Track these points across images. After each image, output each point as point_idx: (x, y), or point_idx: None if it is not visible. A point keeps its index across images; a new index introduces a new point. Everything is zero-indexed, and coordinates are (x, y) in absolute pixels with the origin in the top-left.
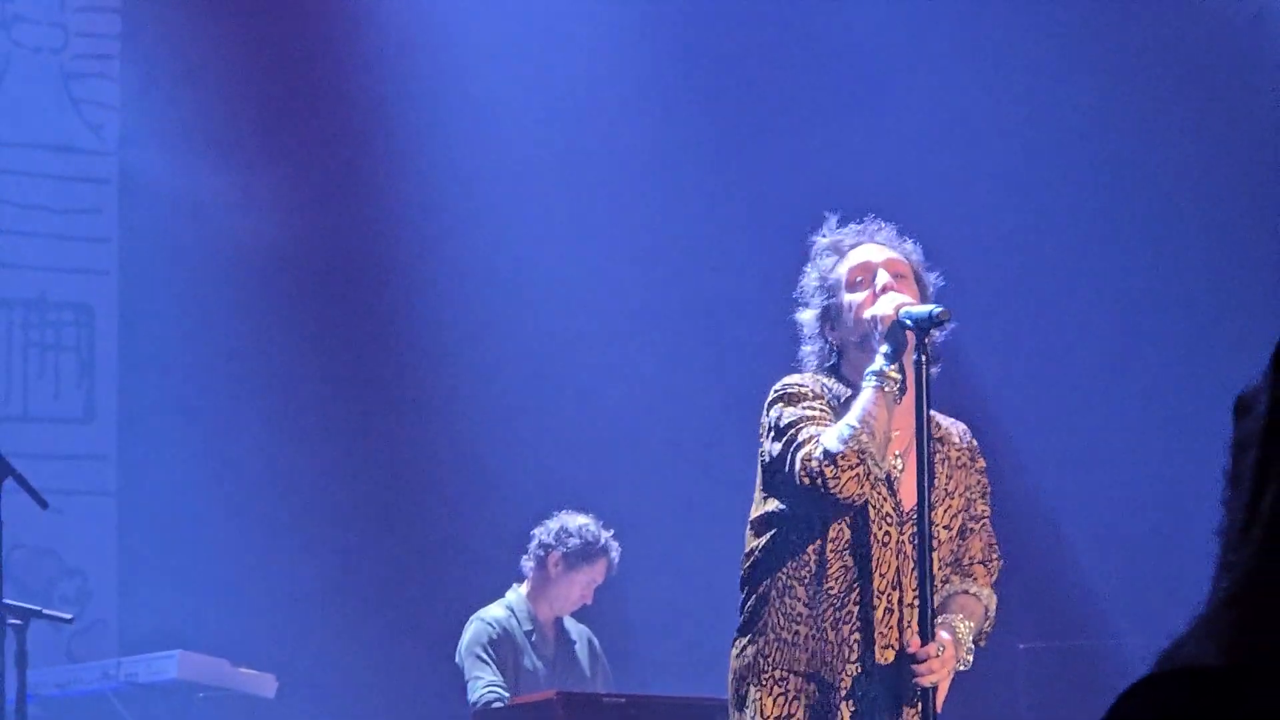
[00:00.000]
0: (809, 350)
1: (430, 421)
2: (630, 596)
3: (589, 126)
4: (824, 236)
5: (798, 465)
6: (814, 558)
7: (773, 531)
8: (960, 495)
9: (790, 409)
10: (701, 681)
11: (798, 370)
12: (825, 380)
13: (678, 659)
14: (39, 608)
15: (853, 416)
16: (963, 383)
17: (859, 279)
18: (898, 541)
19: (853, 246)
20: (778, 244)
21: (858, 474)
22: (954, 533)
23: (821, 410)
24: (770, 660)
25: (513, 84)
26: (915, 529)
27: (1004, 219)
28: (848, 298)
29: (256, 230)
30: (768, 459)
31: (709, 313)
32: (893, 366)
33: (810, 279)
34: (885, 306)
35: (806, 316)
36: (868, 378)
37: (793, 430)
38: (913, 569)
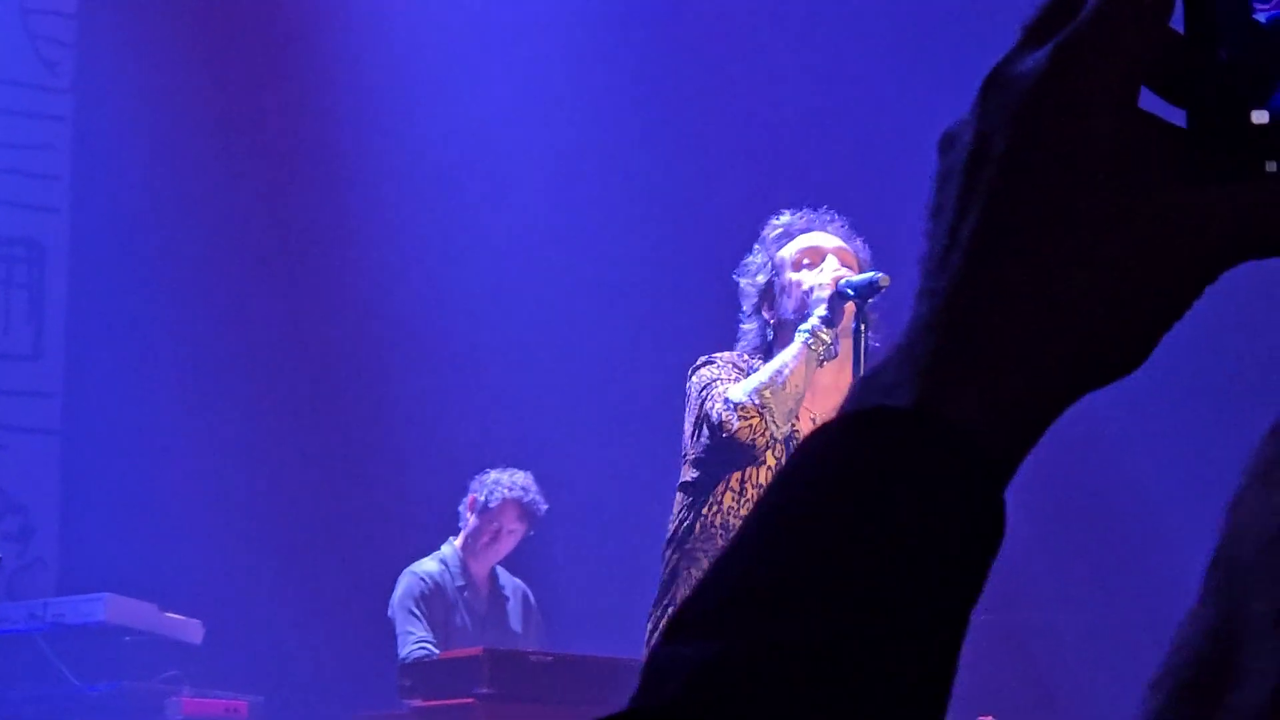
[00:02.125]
0: (746, 328)
1: (376, 375)
2: (563, 556)
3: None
4: (777, 219)
5: (706, 413)
6: (719, 529)
7: (688, 500)
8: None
9: (707, 371)
10: (628, 642)
11: (734, 345)
12: (752, 361)
13: (610, 619)
14: None
15: (765, 370)
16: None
17: (806, 261)
18: None
19: (803, 231)
20: (730, 225)
21: (752, 425)
22: None
23: (736, 376)
24: None
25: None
26: None
27: None
28: (791, 276)
29: (210, 172)
30: (689, 425)
31: (651, 284)
32: (825, 329)
33: (756, 256)
34: (825, 276)
35: (747, 287)
36: (799, 334)
37: (706, 389)
38: None
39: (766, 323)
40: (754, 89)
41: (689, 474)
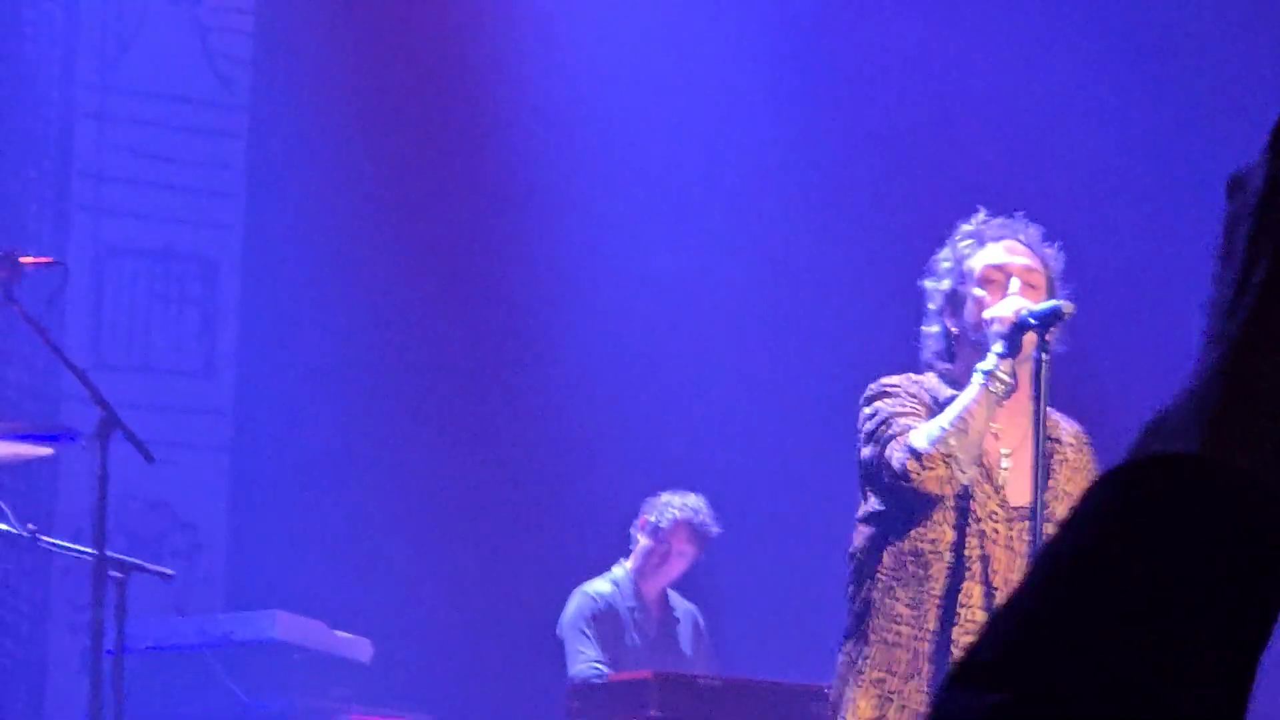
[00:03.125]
0: (928, 331)
1: (541, 395)
2: (735, 581)
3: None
4: (969, 223)
5: (885, 459)
6: (912, 558)
7: (872, 531)
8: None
9: (884, 405)
10: (800, 667)
11: (914, 355)
12: (925, 380)
13: (778, 645)
14: (141, 561)
15: (947, 416)
16: (1084, 382)
17: (992, 279)
18: (1006, 539)
19: (994, 239)
20: (920, 235)
21: (939, 475)
22: None
23: (915, 408)
24: (870, 661)
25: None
26: (1026, 526)
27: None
28: (975, 291)
29: (382, 188)
30: (863, 458)
31: (827, 297)
32: (1003, 367)
33: (944, 258)
34: (1005, 309)
35: (932, 290)
36: (976, 374)
37: (883, 426)
38: (1023, 566)
39: (949, 330)
40: (947, 88)
41: (871, 505)
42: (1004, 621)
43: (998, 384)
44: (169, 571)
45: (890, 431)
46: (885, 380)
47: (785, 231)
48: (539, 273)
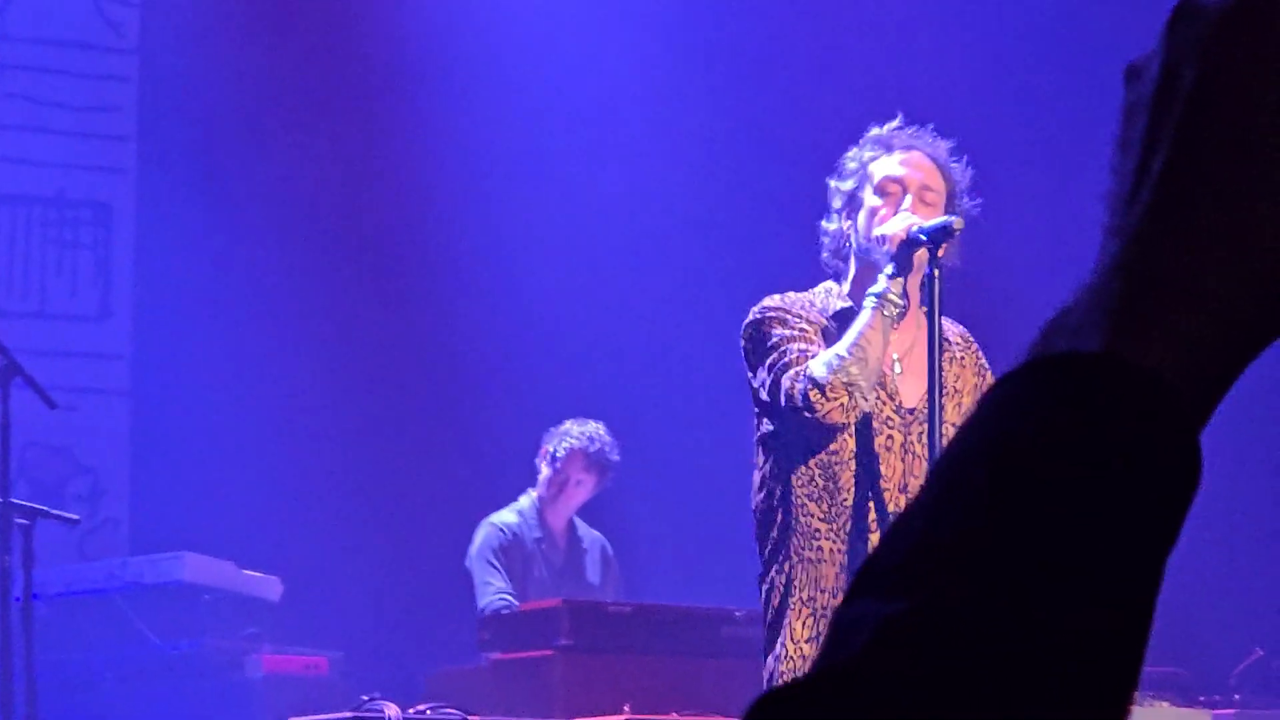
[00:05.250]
0: (828, 227)
1: (445, 329)
2: (642, 508)
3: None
4: (880, 129)
5: (784, 388)
6: (819, 473)
7: (775, 454)
8: (968, 393)
9: (774, 331)
10: (707, 591)
11: (817, 262)
12: (813, 296)
13: (686, 571)
14: (46, 507)
15: (844, 343)
16: (980, 295)
17: (889, 191)
18: (903, 444)
19: (901, 148)
20: (796, 159)
21: (843, 404)
22: None
23: (803, 329)
24: (797, 583)
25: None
26: (925, 429)
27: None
28: (871, 200)
29: (277, 129)
30: (755, 383)
31: (727, 223)
32: (894, 288)
33: (850, 159)
34: (895, 225)
35: (835, 189)
36: (868, 298)
37: (776, 353)
38: (923, 468)
39: (844, 234)
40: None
41: (768, 427)
42: (901, 529)
43: (890, 307)
44: (74, 517)
45: (785, 359)
46: (768, 303)
47: (688, 156)
48: (441, 209)
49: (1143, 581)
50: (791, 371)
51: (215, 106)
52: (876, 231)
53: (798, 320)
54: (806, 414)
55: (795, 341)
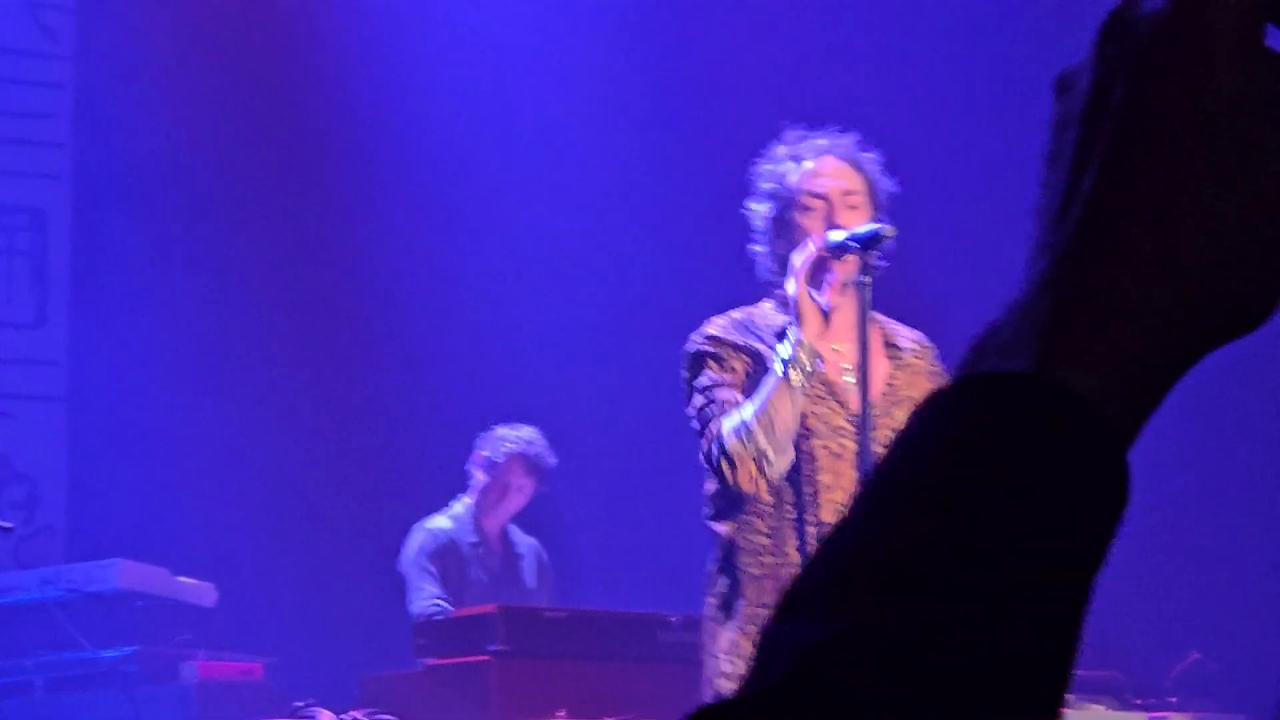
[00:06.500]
0: (759, 252)
1: (378, 334)
2: (575, 514)
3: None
4: (782, 144)
5: (702, 443)
6: (766, 488)
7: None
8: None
9: (707, 371)
10: (644, 596)
11: (741, 282)
12: (759, 312)
13: (621, 577)
14: None
15: (751, 409)
16: (919, 294)
17: (811, 207)
18: (854, 453)
19: (812, 156)
20: (719, 161)
21: (750, 474)
22: None
23: (734, 367)
24: (744, 599)
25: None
26: (878, 434)
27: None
28: (799, 219)
29: (212, 137)
30: (689, 413)
31: (659, 224)
32: (801, 351)
33: (764, 180)
34: (804, 253)
35: (755, 213)
36: (775, 361)
37: (704, 398)
38: None
39: (776, 255)
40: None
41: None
42: (828, 550)
43: (798, 369)
44: (8, 524)
45: (709, 412)
46: (710, 331)
47: (624, 164)
48: (375, 213)
49: (1069, 603)
50: (712, 425)
51: (151, 112)
52: (796, 260)
53: (733, 355)
54: (720, 475)
55: (722, 389)
